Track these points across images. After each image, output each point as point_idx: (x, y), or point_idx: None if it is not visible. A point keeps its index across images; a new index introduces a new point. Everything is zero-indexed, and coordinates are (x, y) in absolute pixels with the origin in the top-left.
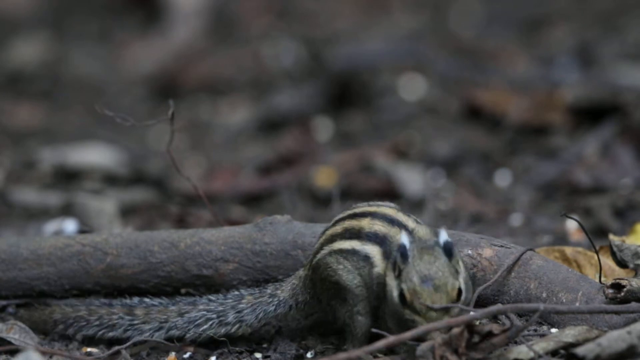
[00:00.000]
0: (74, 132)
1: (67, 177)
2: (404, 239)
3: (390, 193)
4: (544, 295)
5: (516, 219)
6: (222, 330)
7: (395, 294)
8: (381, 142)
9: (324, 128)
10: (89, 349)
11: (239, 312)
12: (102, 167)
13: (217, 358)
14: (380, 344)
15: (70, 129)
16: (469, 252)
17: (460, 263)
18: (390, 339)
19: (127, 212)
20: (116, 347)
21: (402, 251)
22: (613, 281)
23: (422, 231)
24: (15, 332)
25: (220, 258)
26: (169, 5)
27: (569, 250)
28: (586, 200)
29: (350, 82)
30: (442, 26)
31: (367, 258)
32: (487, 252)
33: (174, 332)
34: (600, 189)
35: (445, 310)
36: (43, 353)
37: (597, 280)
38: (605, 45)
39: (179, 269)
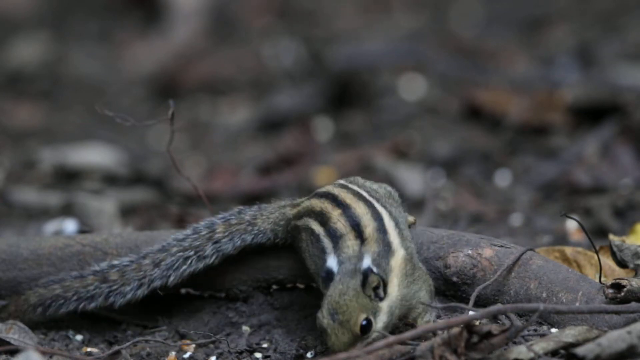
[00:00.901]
0: (74, 132)
1: (67, 177)
2: (330, 262)
3: None
4: (544, 295)
5: (516, 219)
6: (201, 265)
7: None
8: (381, 142)
9: (324, 128)
10: (89, 349)
11: (216, 242)
12: (102, 167)
13: (217, 358)
14: (380, 344)
15: (70, 129)
16: (469, 252)
17: (395, 282)
18: (390, 338)
19: (127, 212)
20: (116, 347)
21: (324, 276)
22: (613, 281)
23: (352, 250)
24: (14, 332)
25: None
26: (169, 5)
27: (569, 250)
28: (586, 200)
29: (350, 82)
30: (442, 26)
31: (324, 250)
32: (487, 252)
33: (156, 284)
34: (600, 189)
35: (353, 343)
36: (43, 353)
37: (597, 280)
38: (605, 45)
39: None
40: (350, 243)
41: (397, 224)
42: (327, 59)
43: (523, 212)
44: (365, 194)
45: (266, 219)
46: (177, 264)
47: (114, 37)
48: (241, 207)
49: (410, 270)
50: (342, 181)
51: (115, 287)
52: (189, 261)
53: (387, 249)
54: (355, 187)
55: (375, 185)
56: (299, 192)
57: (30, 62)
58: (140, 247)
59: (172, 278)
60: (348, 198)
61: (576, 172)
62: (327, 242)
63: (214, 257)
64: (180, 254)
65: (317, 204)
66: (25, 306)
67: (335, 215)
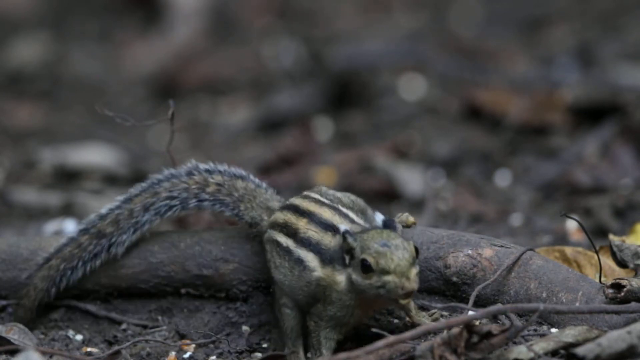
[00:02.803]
0: (74, 132)
1: (67, 177)
2: (342, 227)
3: (390, 193)
4: (544, 295)
5: (516, 219)
6: (183, 213)
7: (354, 276)
8: (381, 142)
9: (324, 128)
10: (89, 349)
11: (201, 200)
12: (102, 167)
13: (217, 358)
14: (380, 344)
15: (70, 129)
16: (469, 252)
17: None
18: (390, 338)
19: None
20: (116, 347)
21: (349, 233)
22: (613, 281)
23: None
24: (14, 333)
25: (220, 258)
26: (169, 5)
27: (569, 250)
28: (586, 200)
29: (350, 82)
30: (442, 26)
31: (300, 261)
32: (487, 252)
33: (145, 227)
34: (600, 189)
35: (412, 264)
36: (43, 353)
37: (597, 280)
38: (605, 45)
39: (179, 269)
40: (329, 240)
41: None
42: (327, 59)
43: (523, 212)
44: (327, 201)
45: (250, 206)
46: (163, 210)
47: (114, 37)
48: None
49: None
50: (304, 192)
51: (114, 239)
52: (174, 209)
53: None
54: (316, 196)
55: (338, 194)
56: (299, 192)
57: (30, 62)
58: (140, 247)
59: (157, 222)
60: (311, 206)
61: (576, 172)
62: (302, 252)
63: (193, 211)
64: (167, 201)
65: (280, 216)
66: (35, 294)
67: (303, 225)
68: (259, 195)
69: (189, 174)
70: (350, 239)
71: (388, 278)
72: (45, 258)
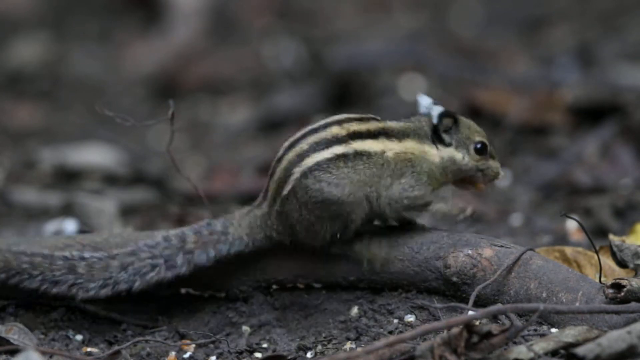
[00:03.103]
0: (74, 132)
1: (67, 177)
2: (424, 99)
3: None
4: (544, 295)
5: (516, 219)
6: (170, 274)
7: (459, 155)
8: None
9: None
10: (89, 349)
11: (188, 252)
12: (102, 167)
13: (217, 358)
14: (380, 344)
15: (70, 129)
16: (469, 252)
17: None
18: (390, 338)
19: (127, 212)
20: (116, 347)
21: (450, 113)
22: (613, 281)
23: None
24: (14, 332)
25: None
26: (169, 5)
27: (569, 250)
28: (586, 200)
29: (350, 82)
30: (442, 26)
31: (361, 154)
32: (487, 252)
33: (122, 287)
34: (600, 189)
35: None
36: (43, 353)
37: (597, 280)
38: (605, 45)
39: None
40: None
41: None
42: (327, 59)
43: (523, 212)
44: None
45: (238, 226)
46: (144, 270)
47: (114, 37)
48: (208, 219)
49: None
50: None
51: (80, 280)
52: (157, 269)
53: None
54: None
55: None
56: None
57: (30, 62)
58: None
59: (137, 283)
60: (325, 123)
61: (576, 172)
62: (359, 144)
63: (184, 268)
64: (149, 260)
65: (300, 148)
66: None
67: (336, 129)
68: (232, 217)
69: (166, 239)
70: (455, 116)
71: (494, 164)
72: (24, 251)
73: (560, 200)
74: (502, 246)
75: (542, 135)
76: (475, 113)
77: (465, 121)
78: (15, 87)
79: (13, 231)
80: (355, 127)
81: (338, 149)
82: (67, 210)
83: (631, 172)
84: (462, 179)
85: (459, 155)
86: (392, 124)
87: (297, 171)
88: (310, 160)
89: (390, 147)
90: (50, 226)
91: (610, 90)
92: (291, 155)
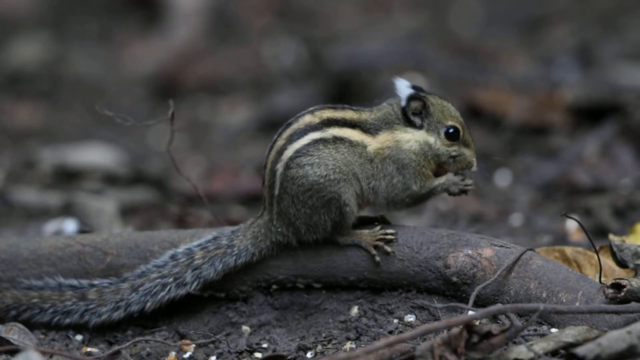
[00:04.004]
0: (74, 132)
1: (67, 177)
2: (408, 89)
3: None
4: (544, 295)
5: (516, 219)
6: (182, 291)
7: (431, 139)
8: None
9: None
10: (89, 349)
11: (196, 269)
12: (102, 167)
13: (217, 358)
14: (380, 344)
15: (70, 129)
16: (469, 252)
17: None
18: (390, 338)
19: (127, 212)
20: (116, 347)
21: (419, 96)
22: (613, 281)
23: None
24: (14, 333)
25: None
26: (169, 5)
27: (569, 250)
28: (586, 200)
29: (350, 82)
30: (442, 26)
31: (342, 140)
32: (487, 252)
33: (133, 308)
34: (600, 189)
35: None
36: (43, 353)
37: (597, 280)
38: (605, 45)
39: None
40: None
41: None
42: (327, 59)
43: (523, 212)
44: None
45: (243, 237)
46: (155, 290)
47: (114, 37)
48: (215, 233)
49: None
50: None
51: (92, 306)
52: (168, 288)
53: None
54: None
55: None
56: None
57: (30, 62)
58: (140, 247)
59: (149, 304)
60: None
61: (576, 172)
62: (336, 131)
63: (194, 284)
64: (159, 280)
65: (278, 145)
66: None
67: (308, 118)
68: (237, 230)
69: (174, 258)
70: (424, 99)
71: (467, 152)
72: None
73: (560, 200)
74: (502, 246)
75: (542, 135)
76: (475, 113)
77: (439, 104)
78: (15, 87)
79: (13, 231)
80: (328, 114)
81: (314, 135)
82: (67, 210)
83: (631, 172)
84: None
85: (431, 138)
86: (365, 116)
87: (279, 167)
88: (288, 152)
89: (368, 142)
90: (50, 226)
91: (610, 90)
92: (272, 155)
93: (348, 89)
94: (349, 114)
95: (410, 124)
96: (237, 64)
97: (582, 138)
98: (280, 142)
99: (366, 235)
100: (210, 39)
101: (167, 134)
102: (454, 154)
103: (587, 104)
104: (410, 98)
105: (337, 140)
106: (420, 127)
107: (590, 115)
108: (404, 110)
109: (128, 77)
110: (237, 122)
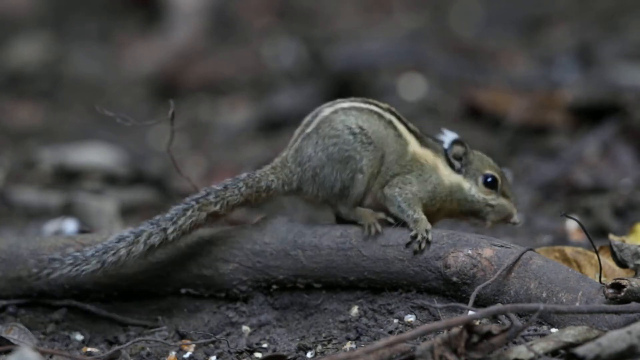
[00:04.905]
0: (74, 132)
1: (67, 177)
2: (451, 134)
3: None
4: (544, 295)
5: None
6: (210, 209)
7: (467, 184)
8: None
9: None
10: (89, 349)
11: (219, 194)
12: (102, 167)
13: (217, 358)
14: (380, 344)
15: (70, 129)
16: (469, 252)
17: None
18: (390, 338)
19: (127, 212)
20: (116, 347)
21: (463, 142)
22: (613, 281)
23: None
24: (14, 332)
25: (220, 258)
26: (169, 5)
27: (569, 250)
28: (586, 200)
29: (350, 82)
30: (442, 26)
31: (395, 128)
32: (487, 252)
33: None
34: (600, 189)
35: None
36: (43, 353)
37: (597, 280)
38: (605, 45)
39: (179, 269)
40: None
41: None
42: (327, 59)
43: (523, 212)
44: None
45: (264, 174)
46: (179, 213)
47: (114, 37)
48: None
49: None
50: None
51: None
52: (190, 210)
53: None
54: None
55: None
56: None
57: (30, 62)
58: None
59: (181, 222)
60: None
61: (576, 172)
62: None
63: (219, 205)
64: (183, 205)
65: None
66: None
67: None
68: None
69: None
70: (466, 146)
71: (507, 203)
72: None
73: (560, 200)
74: (502, 246)
75: (542, 135)
76: (475, 113)
77: (479, 155)
78: (15, 87)
79: (13, 231)
80: (393, 109)
81: (376, 109)
82: (67, 210)
83: (631, 172)
84: (472, 212)
85: (466, 184)
86: (419, 131)
87: (327, 110)
88: (345, 104)
89: (413, 144)
90: (50, 226)
91: (610, 90)
92: (324, 105)
93: (348, 89)
94: (404, 119)
95: (450, 166)
96: (237, 64)
97: (582, 138)
98: (340, 101)
99: (369, 215)
100: (210, 39)
101: (167, 134)
102: (492, 202)
103: (587, 104)
104: (454, 142)
105: (390, 124)
106: (458, 172)
107: (590, 115)
108: (445, 153)
109: (128, 77)
110: (237, 122)
